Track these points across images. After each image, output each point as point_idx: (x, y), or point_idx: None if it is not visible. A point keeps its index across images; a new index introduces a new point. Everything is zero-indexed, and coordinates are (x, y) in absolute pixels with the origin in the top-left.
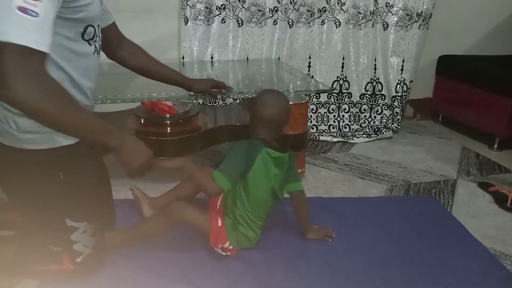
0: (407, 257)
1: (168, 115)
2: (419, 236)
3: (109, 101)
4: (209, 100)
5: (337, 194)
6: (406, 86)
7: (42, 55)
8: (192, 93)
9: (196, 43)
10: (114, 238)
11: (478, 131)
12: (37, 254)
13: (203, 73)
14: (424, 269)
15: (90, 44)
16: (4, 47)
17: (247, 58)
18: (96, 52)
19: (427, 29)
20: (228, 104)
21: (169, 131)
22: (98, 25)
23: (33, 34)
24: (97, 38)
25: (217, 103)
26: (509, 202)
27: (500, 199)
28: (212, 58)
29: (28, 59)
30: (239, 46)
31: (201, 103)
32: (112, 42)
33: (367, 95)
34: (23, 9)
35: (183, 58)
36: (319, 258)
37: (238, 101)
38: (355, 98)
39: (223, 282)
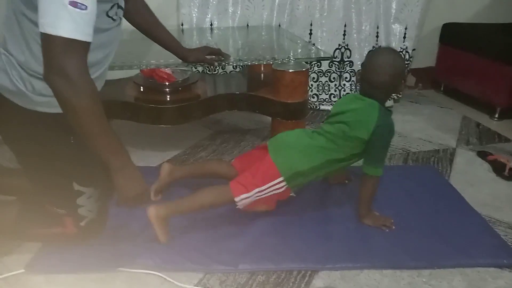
0: (403, 224)
1: (167, 83)
2: (416, 204)
3: None
4: (208, 68)
5: None
6: (409, 54)
7: (87, 44)
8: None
9: (195, 10)
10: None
11: (479, 101)
12: (39, 217)
13: (202, 41)
14: (419, 236)
15: (114, 20)
16: (56, 39)
17: (247, 25)
18: (118, 24)
19: None
20: (228, 72)
21: (168, 99)
22: None
23: (82, 26)
24: (120, 10)
25: (216, 71)
26: (506, 171)
27: (498, 168)
28: (211, 25)
29: (75, 49)
30: (239, 12)
31: (200, 71)
32: None
33: None
34: (73, 3)
35: (182, 25)
36: (315, 223)
37: (238, 69)
38: (357, 66)
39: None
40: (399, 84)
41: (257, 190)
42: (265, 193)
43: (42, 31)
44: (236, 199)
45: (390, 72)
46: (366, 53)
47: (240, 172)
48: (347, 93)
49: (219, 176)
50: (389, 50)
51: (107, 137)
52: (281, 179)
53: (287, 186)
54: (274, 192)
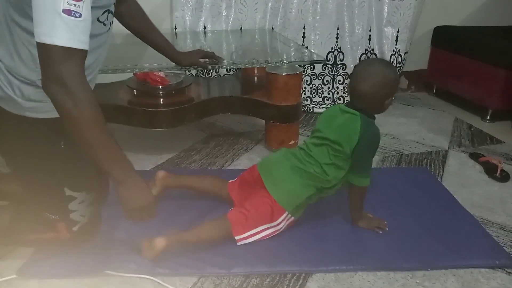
0: (396, 226)
1: (160, 86)
2: (409, 206)
3: (100, 72)
4: (202, 71)
5: None
6: (401, 57)
7: (83, 51)
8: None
9: (189, 13)
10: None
11: (471, 103)
12: (32, 223)
13: (195, 44)
14: (412, 238)
15: (105, 25)
16: (52, 49)
17: (241, 28)
18: (109, 29)
19: None
20: (221, 75)
21: (162, 102)
22: (114, 3)
23: (78, 34)
24: (111, 14)
25: (210, 74)
26: (498, 172)
27: (490, 169)
28: (205, 28)
29: (72, 58)
30: (232, 15)
31: (194, 74)
32: None
33: None
34: (67, 11)
35: (175, 28)
36: (309, 226)
37: (231, 72)
38: (350, 69)
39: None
40: (386, 95)
41: (259, 228)
42: (267, 231)
43: (38, 40)
44: (236, 237)
45: (378, 80)
46: (359, 56)
47: (237, 202)
48: (340, 96)
49: (213, 195)
50: (381, 60)
51: (109, 147)
52: (285, 215)
53: (285, 224)
54: (276, 229)
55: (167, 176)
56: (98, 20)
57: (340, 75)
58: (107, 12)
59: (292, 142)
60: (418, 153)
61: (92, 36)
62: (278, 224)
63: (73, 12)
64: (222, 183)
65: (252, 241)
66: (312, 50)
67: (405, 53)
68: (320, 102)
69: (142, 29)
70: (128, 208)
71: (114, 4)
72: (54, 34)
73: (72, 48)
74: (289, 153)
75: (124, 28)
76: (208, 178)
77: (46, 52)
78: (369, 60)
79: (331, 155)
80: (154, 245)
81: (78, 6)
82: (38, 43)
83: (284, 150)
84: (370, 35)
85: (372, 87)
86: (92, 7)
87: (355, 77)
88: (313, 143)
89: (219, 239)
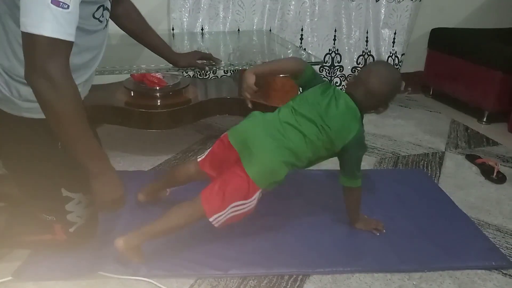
0: (393, 228)
1: (157, 88)
2: (406, 207)
3: (97, 73)
4: (199, 72)
5: (327, 166)
6: (398, 59)
7: (69, 44)
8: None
9: (186, 14)
10: (133, 240)
11: (468, 105)
12: (28, 224)
13: (193, 45)
14: (409, 239)
15: (100, 21)
16: (38, 39)
17: (238, 30)
18: (105, 26)
19: (420, 1)
20: (219, 76)
21: (159, 103)
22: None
23: (64, 26)
24: (107, 11)
25: (207, 76)
26: (494, 174)
27: (486, 171)
28: (202, 29)
29: (58, 50)
30: (230, 17)
31: (191, 75)
32: None
33: (358, 68)
34: (56, 2)
35: (173, 29)
36: (306, 228)
37: (229, 73)
38: (347, 71)
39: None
40: (388, 101)
41: (232, 205)
42: (241, 208)
43: (24, 30)
44: (211, 219)
45: (395, 86)
46: (356, 58)
47: (212, 176)
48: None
49: (195, 179)
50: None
51: (87, 141)
52: (260, 191)
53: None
54: (250, 206)
55: (145, 194)
56: (93, 16)
57: (337, 77)
58: (102, 8)
59: None
60: (415, 155)
61: (88, 33)
62: (252, 201)
63: (61, 3)
64: (194, 166)
65: (225, 219)
66: (309, 52)
67: (402, 55)
68: None
69: (139, 30)
70: (100, 200)
71: (109, 0)
72: (42, 25)
73: (59, 39)
74: (265, 122)
75: (121, 29)
76: (178, 168)
77: (32, 42)
78: (388, 63)
79: (320, 138)
80: (115, 247)
81: None
82: (24, 33)
83: (258, 117)
84: (367, 37)
85: (391, 91)
86: (85, 2)
87: (376, 74)
88: (304, 115)
89: (190, 223)
